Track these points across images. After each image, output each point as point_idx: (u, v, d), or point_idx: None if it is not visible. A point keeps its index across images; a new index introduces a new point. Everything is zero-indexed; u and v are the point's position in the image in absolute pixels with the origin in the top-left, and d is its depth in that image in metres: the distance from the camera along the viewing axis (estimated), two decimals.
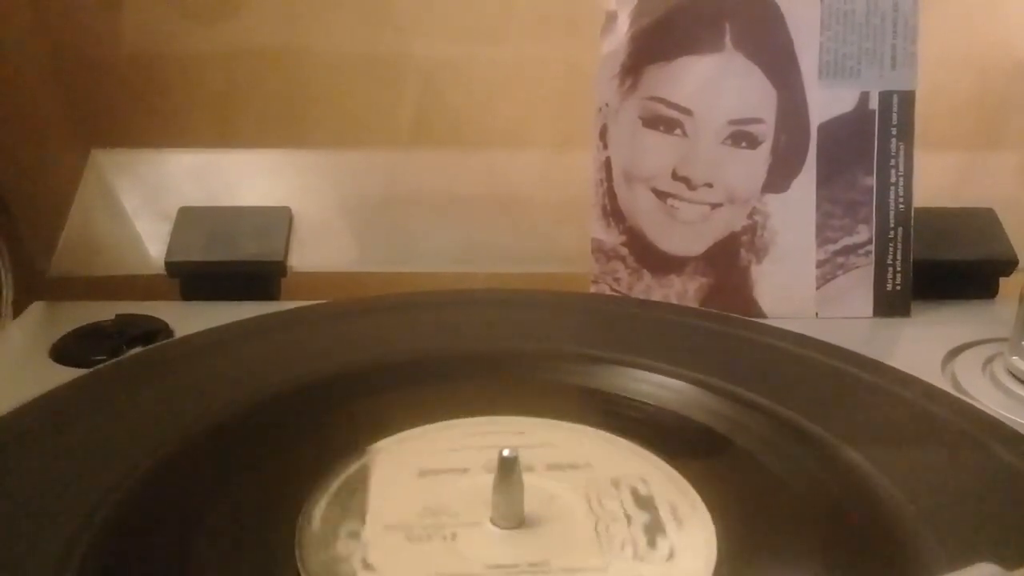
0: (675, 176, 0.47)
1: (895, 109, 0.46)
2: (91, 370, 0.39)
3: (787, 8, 0.46)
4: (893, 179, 0.47)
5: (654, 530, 0.29)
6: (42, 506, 0.29)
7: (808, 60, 0.46)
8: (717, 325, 0.43)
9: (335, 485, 0.31)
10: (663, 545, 0.29)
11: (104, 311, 0.45)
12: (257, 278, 0.49)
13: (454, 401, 0.36)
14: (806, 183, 0.46)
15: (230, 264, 0.48)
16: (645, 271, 0.47)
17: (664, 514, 0.30)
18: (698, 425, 0.35)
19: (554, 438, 0.34)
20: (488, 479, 0.29)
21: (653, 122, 0.47)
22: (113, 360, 0.40)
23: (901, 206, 0.47)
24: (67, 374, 0.39)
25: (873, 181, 0.47)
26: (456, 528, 0.29)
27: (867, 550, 0.29)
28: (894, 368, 0.38)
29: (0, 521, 0.28)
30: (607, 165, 0.47)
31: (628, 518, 0.30)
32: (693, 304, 0.47)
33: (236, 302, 0.47)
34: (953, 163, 0.54)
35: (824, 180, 0.46)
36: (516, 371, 0.39)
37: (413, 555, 0.28)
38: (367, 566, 0.28)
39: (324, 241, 0.52)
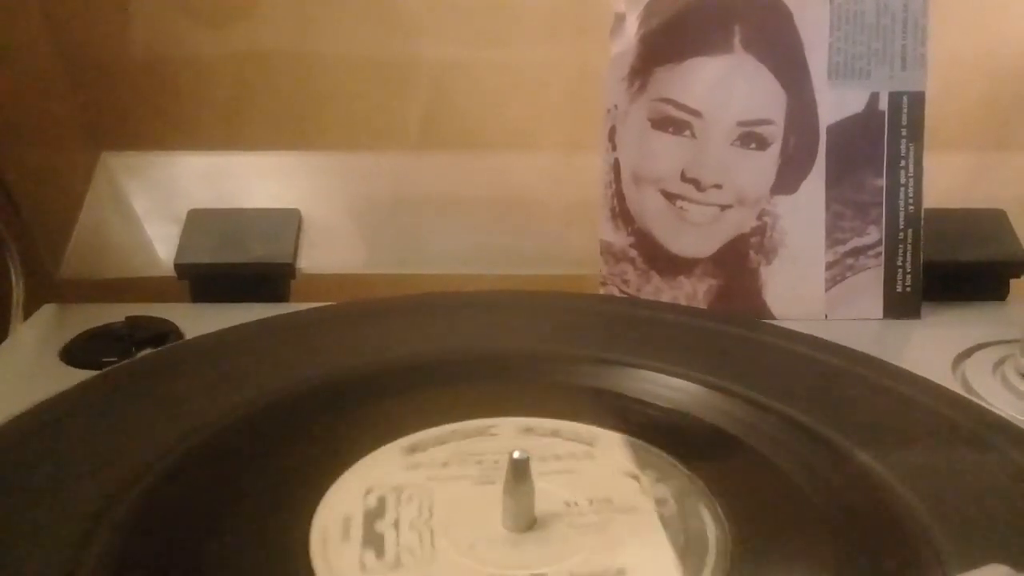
0: (684, 178, 0.47)
1: (905, 110, 0.46)
2: (101, 372, 0.39)
3: (796, 9, 0.45)
4: (903, 180, 0.46)
5: (664, 530, 0.29)
6: (53, 507, 0.29)
7: (817, 61, 0.46)
8: (726, 327, 0.43)
9: (345, 486, 0.31)
10: (673, 545, 0.29)
11: (114, 313, 0.45)
12: (266, 280, 0.49)
13: (463, 403, 0.36)
14: (815, 184, 0.46)
15: (240, 266, 0.48)
16: (654, 273, 0.47)
17: (675, 515, 0.30)
18: (708, 426, 0.35)
19: (564, 440, 0.34)
20: (499, 481, 0.29)
21: (662, 123, 0.47)
22: (123, 362, 0.40)
23: (911, 207, 0.46)
24: (77, 376, 0.39)
25: (883, 182, 0.46)
26: (466, 529, 0.29)
27: (878, 551, 0.29)
28: (904, 370, 0.38)
29: (11, 521, 0.29)
30: (616, 167, 0.47)
31: (639, 519, 0.30)
32: (702, 306, 0.47)
33: (246, 304, 0.47)
34: (963, 164, 0.54)
35: (834, 181, 0.46)
36: (525, 373, 0.39)
37: (426, 555, 0.28)
38: (379, 566, 0.28)
39: (333, 243, 0.52)
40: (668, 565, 0.28)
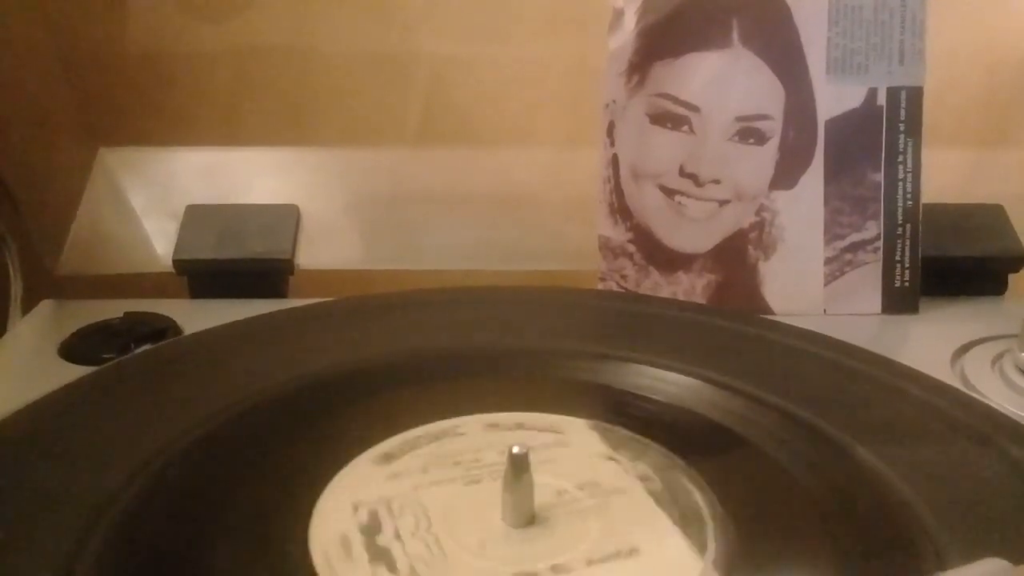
0: (682, 173, 0.47)
1: (903, 105, 0.46)
2: (100, 368, 0.39)
3: (795, 4, 0.45)
4: (901, 175, 0.46)
5: (664, 526, 0.29)
6: (52, 504, 0.29)
7: (816, 56, 0.46)
8: (725, 322, 0.43)
9: (344, 483, 0.31)
10: (673, 542, 0.29)
11: (113, 309, 0.45)
12: (265, 276, 0.49)
13: (462, 398, 0.36)
14: (814, 179, 0.46)
15: (238, 262, 0.48)
16: (652, 268, 0.47)
17: (674, 510, 0.30)
18: (707, 421, 0.35)
19: (562, 435, 0.34)
20: (499, 476, 0.29)
21: (660, 119, 0.47)
22: (122, 358, 0.40)
23: (909, 202, 0.46)
24: (76, 372, 0.39)
25: (881, 177, 0.46)
26: (469, 530, 0.29)
27: (877, 545, 0.29)
28: (903, 365, 0.38)
29: (10, 518, 0.29)
30: (614, 162, 0.47)
31: (637, 515, 0.30)
32: (701, 301, 0.47)
33: (244, 300, 0.47)
34: (961, 159, 0.54)
35: (832, 176, 0.46)
36: (524, 368, 0.39)
37: (440, 562, 0.28)
38: (379, 562, 0.28)
39: (332, 239, 0.52)
40: (673, 539, 0.28)
